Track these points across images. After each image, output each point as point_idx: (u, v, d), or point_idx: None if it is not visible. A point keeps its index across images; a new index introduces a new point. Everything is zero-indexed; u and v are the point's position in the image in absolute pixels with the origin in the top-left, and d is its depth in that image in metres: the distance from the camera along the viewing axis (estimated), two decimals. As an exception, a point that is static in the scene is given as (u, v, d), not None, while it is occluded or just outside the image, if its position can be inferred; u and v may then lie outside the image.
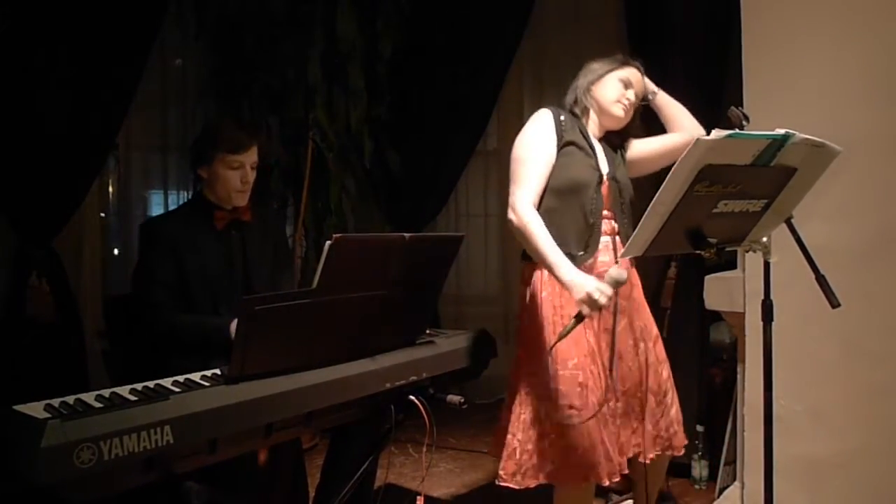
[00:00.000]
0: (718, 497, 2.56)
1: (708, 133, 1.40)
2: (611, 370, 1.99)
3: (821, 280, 1.53)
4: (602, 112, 2.08)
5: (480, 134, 4.13)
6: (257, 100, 3.65)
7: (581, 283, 1.78)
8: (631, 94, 2.09)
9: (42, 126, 3.06)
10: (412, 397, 1.73)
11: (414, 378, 1.77)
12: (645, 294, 2.17)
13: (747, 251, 1.74)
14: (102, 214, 3.81)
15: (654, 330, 2.13)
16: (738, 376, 2.43)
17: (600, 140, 2.10)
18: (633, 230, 1.54)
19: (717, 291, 2.41)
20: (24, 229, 3.15)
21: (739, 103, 2.12)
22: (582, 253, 1.95)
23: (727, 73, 2.82)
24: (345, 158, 3.84)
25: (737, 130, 1.50)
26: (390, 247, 1.67)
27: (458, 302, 4.38)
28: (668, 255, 3.09)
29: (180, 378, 1.57)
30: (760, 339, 1.63)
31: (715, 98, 2.86)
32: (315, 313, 1.54)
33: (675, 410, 2.10)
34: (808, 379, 2.15)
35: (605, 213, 2.00)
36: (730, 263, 2.51)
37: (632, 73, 2.10)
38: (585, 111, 2.09)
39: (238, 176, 2.06)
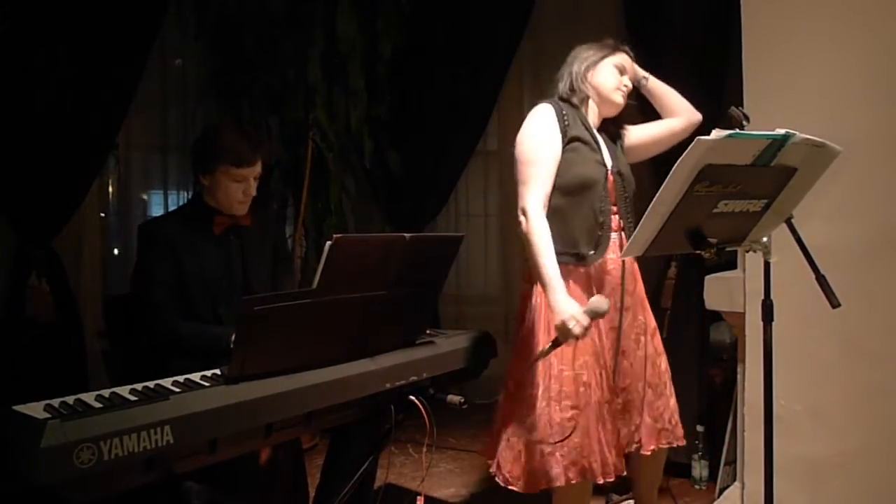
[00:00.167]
0: (718, 497, 2.56)
1: (706, 129, 1.40)
2: (614, 370, 1.99)
3: (821, 280, 1.53)
4: (601, 100, 2.06)
5: (480, 134, 4.13)
6: (257, 100, 3.64)
7: (562, 310, 1.78)
8: (627, 80, 2.07)
9: (42, 126, 3.06)
10: (412, 397, 1.73)
11: (414, 378, 1.76)
12: (645, 293, 2.17)
13: (747, 251, 1.74)
14: (102, 214, 3.81)
15: (653, 323, 2.14)
16: (738, 376, 2.43)
17: (599, 131, 2.08)
18: (637, 225, 1.54)
19: (717, 291, 2.41)
20: (24, 229, 3.15)
21: (739, 103, 2.12)
22: (592, 252, 1.95)
23: (727, 72, 2.82)
24: (345, 158, 3.84)
25: (737, 130, 1.50)
26: (390, 247, 1.67)
27: (458, 302, 4.38)
28: (668, 255, 3.09)
29: (180, 378, 1.57)
30: (760, 339, 1.63)
31: (715, 97, 2.86)
32: (315, 313, 1.54)
33: (673, 402, 2.11)
34: (808, 379, 2.15)
35: (612, 208, 1.99)
36: (730, 263, 2.51)
37: (624, 58, 2.09)
38: (584, 100, 2.05)
39: (241, 188, 2.04)
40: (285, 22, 3.58)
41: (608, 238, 1.96)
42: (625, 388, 2.03)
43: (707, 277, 2.46)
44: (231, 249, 2.11)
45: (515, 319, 2.10)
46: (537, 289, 1.98)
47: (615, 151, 2.08)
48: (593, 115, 2.08)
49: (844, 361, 2.11)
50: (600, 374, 1.94)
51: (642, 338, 2.07)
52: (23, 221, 3.13)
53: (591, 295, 1.96)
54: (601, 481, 1.91)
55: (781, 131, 1.46)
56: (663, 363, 2.12)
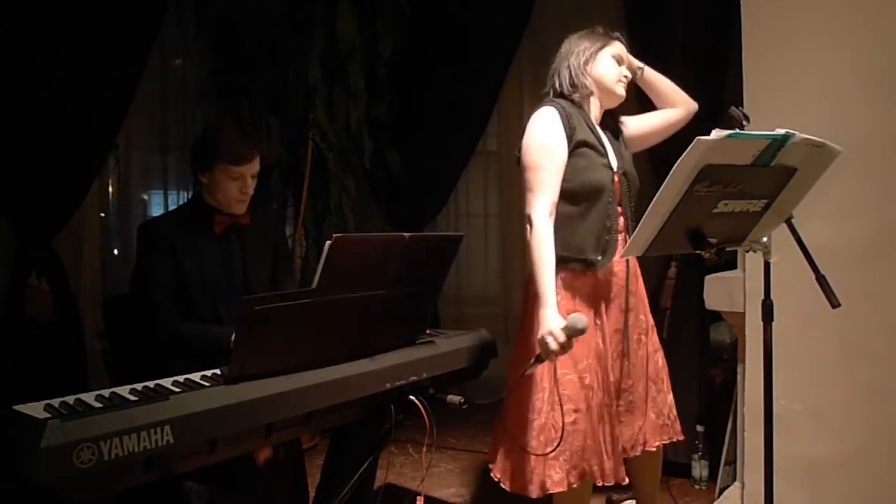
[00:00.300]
0: (718, 497, 2.56)
1: (706, 129, 1.40)
2: (621, 372, 1.99)
3: (821, 280, 1.53)
4: (602, 93, 2.02)
5: (480, 134, 4.13)
6: (257, 100, 3.64)
7: (543, 325, 1.76)
8: (626, 71, 2.05)
9: (42, 126, 3.06)
10: (412, 397, 1.73)
11: (414, 378, 1.76)
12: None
13: (747, 251, 1.74)
14: (102, 214, 3.81)
15: (650, 320, 2.14)
16: (738, 376, 2.43)
17: (601, 126, 2.04)
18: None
19: (717, 291, 2.41)
20: (24, 229, 3.15)
21: (739, 103, 2.12)
22: (600, 258, 1.94)
23: (727, 72, 2.82)
24: (345, 158, 3.84)
25: (737, 130, 1.50)
26: (390, 247, 1.66)
27: (458, 302, 4.38)
28: (668, 255, 3.09)
29: (180, 378, 1.57)
30: (760, 339, 1.63)
31: (715, 97, 2.86)
32: (315, 313, 1.54)
33: (670, 397, 2.12)
34: (808, 379, 2.15)
35: (618, 209, 1.98)
36: (730, 263, 2.51)
37: (620, 47, 2.06)
38: (587, 97, 2.01)
39: (237, 187, 2.04)
40: (285, 22, 3.58)
41: (615, 241, 1.95)
42: (627, 389, 2.03)
43: (707, 277, 2.45)
44: (231, 249, 2.11)
45: (518, 320, 2.10)
46: None
47: (619, 148, 2.05)
48: (595, 110, 2.04)
49: (844, 361, 2.11)
50: (602, 378, 1.94)
51: (643, 337, 2.07)
52: (23, 221, 3.13)
53: (598, 299, 1.96)
54: (601, 483, 1.91)
55: (781, 131, 1.46)
56: (661, 359, 2.13)
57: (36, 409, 1.31)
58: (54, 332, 3.20)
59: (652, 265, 3.04)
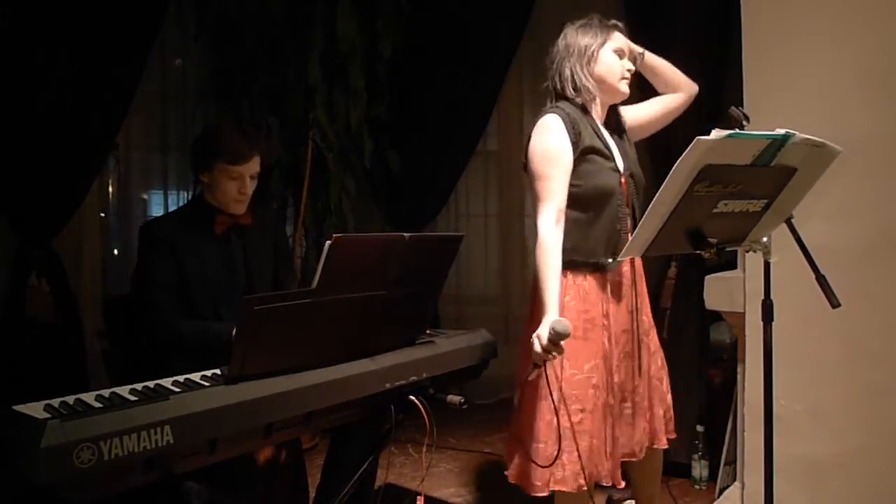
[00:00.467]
0: (718, 497, 2.56)
1: (706, 129, 1.40)
2: (639, 370, 2.01)
3: (821, 280, 1.53)
4: (607, 93, 1.99)
5: (480, 134, 4.12)
6: (257, 100, 3.64)
7: (540, 328, 1.76)
8: (629, 64, 2.00)
9: (42, 126, 3.06)
10: (412, 397, 1.73)
11: (414, 378, 1.76)
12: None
13: (747, 251, 1.74)
14: (102, 214, 3.81)
15: (651, 319, 2.14)
16: (738, 376, 2.43)
17: (605, 125, 2.02)
18: None
19: (717, 291, 2.41)
20: (24, 229, 3.15)
21: (739, 103, 2.12)
22: (610, 261, 1.93)
23: (727, 72, 2.82)
24: (345, 158, 3.84)
25: (737, 130, 1.50)
26: (390, 247, 1.66)
27: (458, 302, 4.38)
28: (668, 255, 3.09)
29: (180, 378, 1.57)
30: (760, 339, 1.63)
31: (715, 97, 2.85)
32: (315, 313, 1.54)
33: (669, 397, 2.13)
34: (808, 379, 2.15)
35: (626, 211, 1.97)
36: (730, 263, 2.51)
37: (621, 38, 2.01)
38: (592, 99, 1.98)
39: (236, 186, 2.05)
40: (285, 22, 3.58)
41: (625, 242, 1.93)
42: (633, 390, 2.03)
43: (707, 277, 2.46)
44: (233, 249, 2.11)
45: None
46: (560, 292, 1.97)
47: (624, 147, 2.04)
48: (599, 110, 2.02)
49: (844, 361, 2.11)
50: (606, 378, 1.94)
51: (644, 337, 2.08)
52: (23, 221, 3.13)
53: (607, 300, 1.96)
54: (606, 484, 1.92)
55: (781, 131, 1.46)
56: (661, 359, 2.13)
57: (36, 410, 1.30)
58: (54, 332, 3.19)
59: (652, 265, 3.04)
